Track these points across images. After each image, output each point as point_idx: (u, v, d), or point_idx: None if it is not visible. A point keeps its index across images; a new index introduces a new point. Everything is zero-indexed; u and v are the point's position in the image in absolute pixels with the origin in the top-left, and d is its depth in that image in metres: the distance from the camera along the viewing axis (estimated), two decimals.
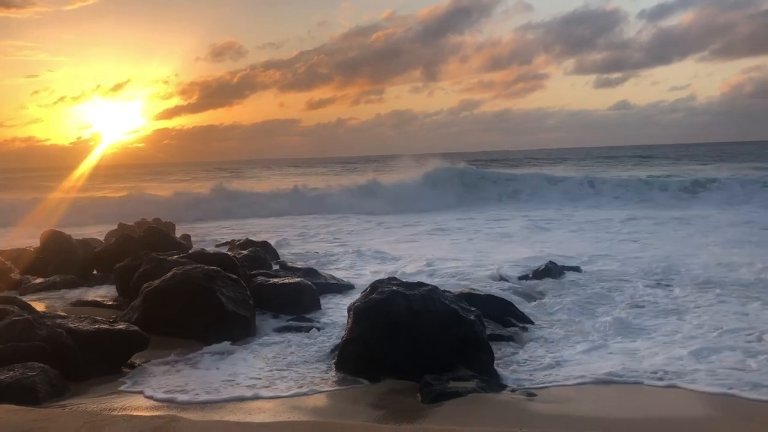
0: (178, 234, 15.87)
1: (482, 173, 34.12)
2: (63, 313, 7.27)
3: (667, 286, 9.99)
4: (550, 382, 5.89)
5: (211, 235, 18.64)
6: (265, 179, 50.94)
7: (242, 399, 5.52)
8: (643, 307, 8.75)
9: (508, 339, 7.29)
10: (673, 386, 5.74)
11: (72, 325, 6.42)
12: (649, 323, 7.89)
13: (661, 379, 5.92)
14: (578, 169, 39.80)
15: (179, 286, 7.73)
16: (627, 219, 20.21)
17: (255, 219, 24.16)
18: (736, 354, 6.53)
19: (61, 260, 12.15)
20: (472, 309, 6.60)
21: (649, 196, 27.68)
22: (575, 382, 5.91)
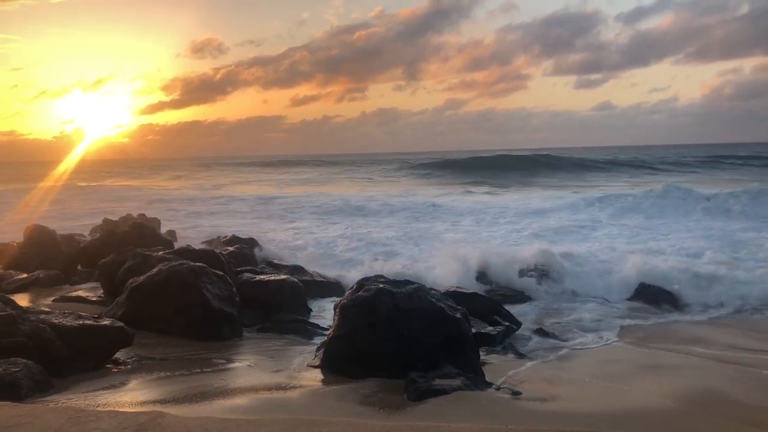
0: (163, 230, 15.75)
1: None
2: (47, 309, 7.20)
3: None
4: (535, 380, 5.93)
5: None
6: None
7: (228, 395, 5.50)
8: None
9: (494, 337, 7.33)
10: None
11: (56, 321, 6.36)
12: None
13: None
14: None
15: (164, 283, 7.70)
16: None
17: None
18: None
19: (45, 255, 12.02)
20: (458, 307, 6.63)
21: None
22: (560, 379, 5.95)
